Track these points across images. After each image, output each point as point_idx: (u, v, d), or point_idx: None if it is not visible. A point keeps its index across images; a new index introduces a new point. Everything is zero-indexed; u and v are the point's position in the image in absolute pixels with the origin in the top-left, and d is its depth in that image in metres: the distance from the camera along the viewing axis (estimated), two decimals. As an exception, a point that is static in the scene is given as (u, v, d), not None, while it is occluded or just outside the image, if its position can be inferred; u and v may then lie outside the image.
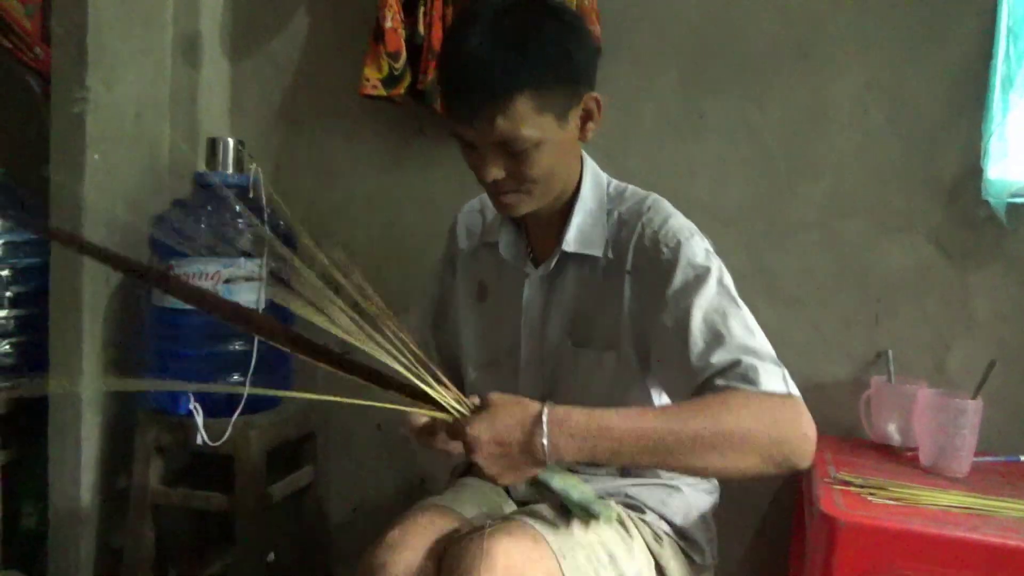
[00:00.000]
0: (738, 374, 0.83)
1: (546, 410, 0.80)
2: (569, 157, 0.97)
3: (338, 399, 0.87)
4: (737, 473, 0.81)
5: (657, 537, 1.00)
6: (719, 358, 0.84)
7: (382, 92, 1.46)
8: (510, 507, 1.07)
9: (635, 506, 1.02)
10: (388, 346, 0.84)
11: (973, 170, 1.31)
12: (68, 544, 1.53)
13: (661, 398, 1.01)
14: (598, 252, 0.99)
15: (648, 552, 0.98)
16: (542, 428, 0.79)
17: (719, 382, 0.84)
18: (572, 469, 1.04)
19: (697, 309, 0.87)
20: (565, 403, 0.88)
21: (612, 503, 0.94)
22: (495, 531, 0.84)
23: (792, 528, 1.39)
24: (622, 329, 0.96)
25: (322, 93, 1.71)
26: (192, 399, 1.38)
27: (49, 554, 1.54)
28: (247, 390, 1.28)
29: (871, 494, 1.02)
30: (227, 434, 1.37)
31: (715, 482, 1.13)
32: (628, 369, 0.98)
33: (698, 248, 0.92)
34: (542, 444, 0.78)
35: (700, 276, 0.90)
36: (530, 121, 0.87)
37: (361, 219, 1.70)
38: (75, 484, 1.51)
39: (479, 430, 0.80)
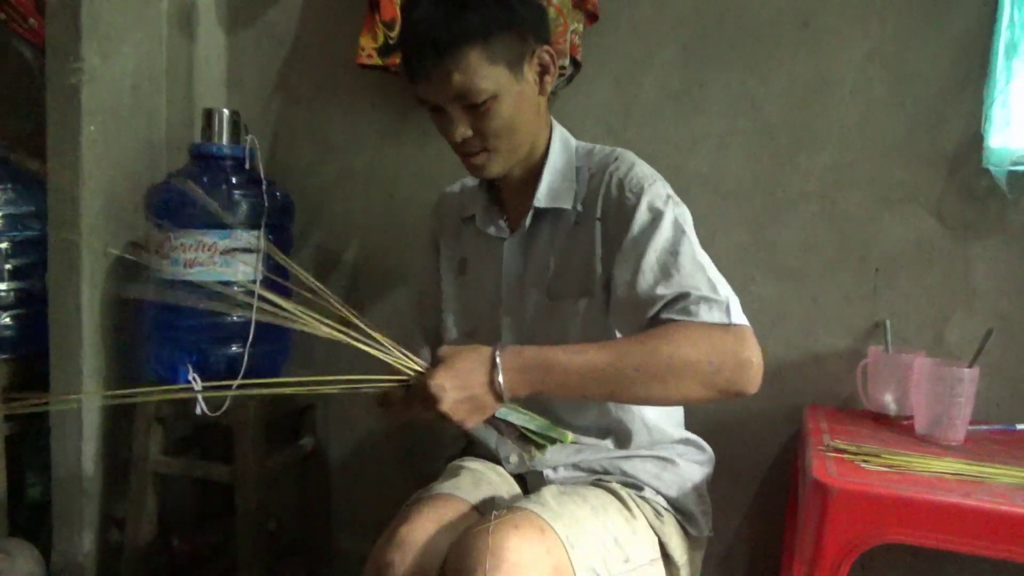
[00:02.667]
0: (681, 307, 0.88)
1: (498, 350, 0.86)
2: (530, 111, 0.99)
3: (299, 380, 0.91)
4: (681, 399, 0.89)
5: (658, 514, 1.01)
6: (664, 291, 0.89)
7: (378, 61, 1.45)
8: (509, 485, 1.07)
9: (633, 484, 1.03)
10: (337, 324, 0.89)
11: (975, 140, 1.29)
12: (71, 514, 1.55)
13: None
14: (568, 204, 1.03)
15: (651, 530, 0.98)
16: (497, 367, 0.85)
17: (663, 315, 0.89)
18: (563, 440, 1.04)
19: (651, 250, 0.92)
20: None
21: (567, 432, 0.96)
22: (500, 524, 0.84)
23: (788, 500, 1.40)
24: (595, 275, 1.00)
25: (319, 65, 1.70)
26: (191, 370, 1.39)
27: (53, 524, 1.57)
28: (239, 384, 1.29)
29: (864, 461, 1.03)
30: (225, 404, 1.38)
31: (708, 452, 1.14)
32: (601, 314, 1.00)
33: (660, 192, 0.97)
34: (499, 381, 0.84)
35: (658, 218, 0.94)
36: (483, 72, 0.92)
37: (359, 191, 1.70)
38: (77, 455, 1.53)
39: (440, 379, 0.84)
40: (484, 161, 0.99)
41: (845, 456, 1.05)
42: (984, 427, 1.23)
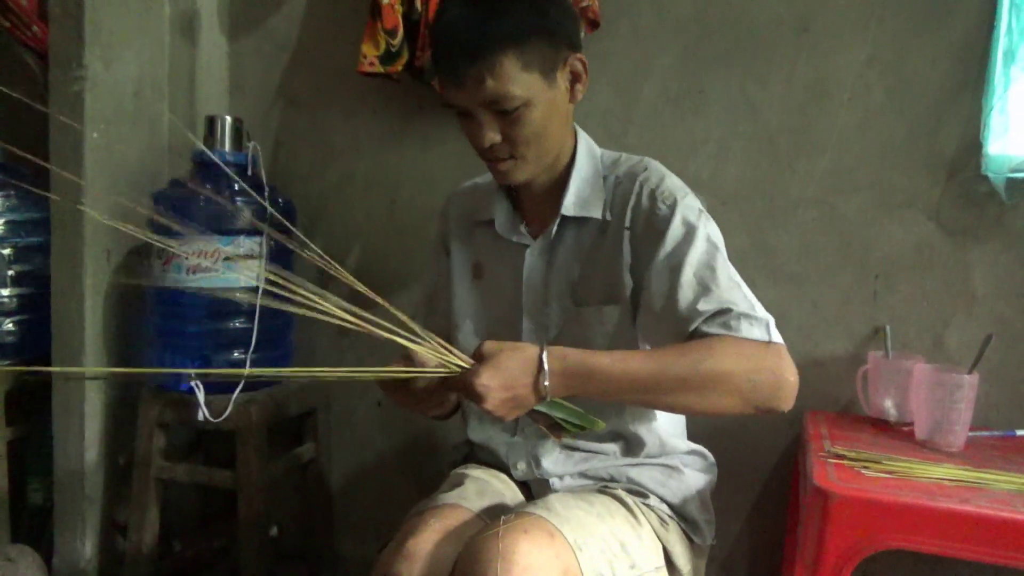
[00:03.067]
0: (723, 322, 0.88)
1: (545, 353, 0.86)
2: (560, 119, 0.99)
3: (340, 371, 0.90)
4: (716, 411, 0.88)
5: (663, 522, 1.01)
6: (705, 307, 0.90)
7: (380, 69, 1.46)
8: (513, 493, 1.07)
9: (639, 491, 1.03)
10: (384, 323, 0.87)
11: (974, 146, 1.30)
12: (73, 519, 1.55)
13: None
14: (597, 214, 1.02)
15: (656, 538, 0.98)
16: (544, 370, 0.85)
17: (704, 329, 0.89)
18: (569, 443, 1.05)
19: (688, 265, 0.92)
20: None
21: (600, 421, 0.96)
22: (510, 529, 0.84)
23: (788, 505, 1.40)
24: (623, 283, 1.00)
25: (321, 71, 1.71)
26: (193, 376, 1.39)
27: (55, 529, 1.57)
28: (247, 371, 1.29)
29: (865, 467, 1.03)
30: (228, 410, 1.39)
31: (711, 459, 1.14)
32: (627, 321, 1.01)
33: (692, 205, 0.97)
34: (544, 385, 0.85)
35: (693, 233, 0.94)
36: (517, 79, 0.90)
37: (360, 196, 1.70)
38: (79, 460, 1.53)
39: (488, 379, 0.83)
40: (511, 167, 0.98)
41: (846, 462, 1.05)
42: (984, 433, 1.24)
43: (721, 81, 1.44)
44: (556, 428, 0.94)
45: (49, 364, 1.54)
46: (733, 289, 0.91)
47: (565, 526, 0.87)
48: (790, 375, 0.87)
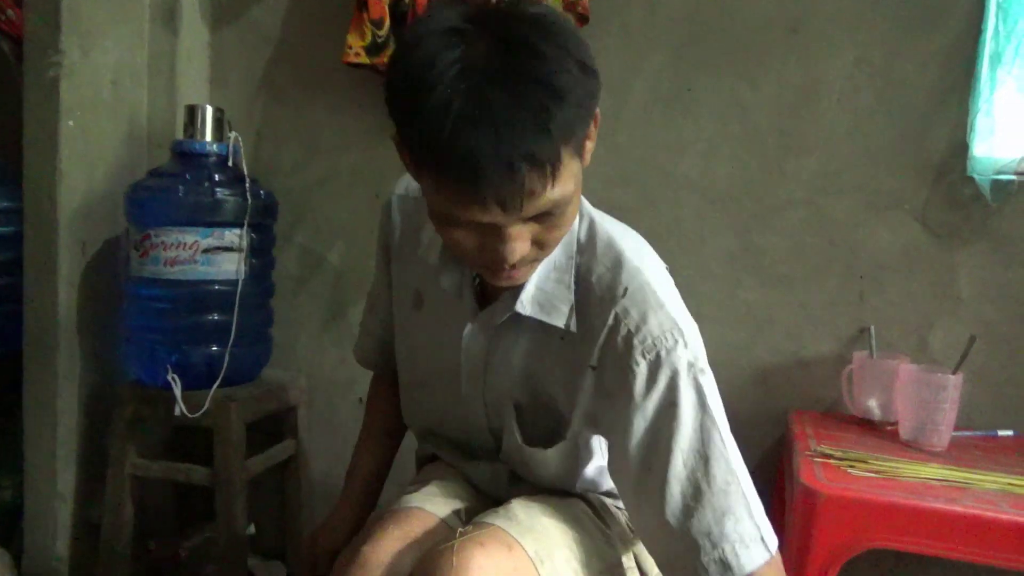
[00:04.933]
0: (718, 560, 0.74)
1: None
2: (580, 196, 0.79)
3: None
4: None
5: None
6: (698, 527, 0.74)
7: (365, 60, 1.43)
8: (480, 501, 1.01)
9: (610, 492, 1.00)
10: None
11: (960, 148, 1.30)
12: (45, 518, 1.51)
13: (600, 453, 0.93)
14: (560, 323, 0.82)
15: (627, 539, 0.96)
16: None
17: (697, 559, 0.74)
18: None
19: (676, 452, 0.75)
20: (513, 462, 0.92)
21: None
22: (465, 542, 0.79)
23: (772, 506, 1.40)
24: (569, 427, 0.86)
25: (306, 63, 1.68)
26: (170, 371, 1.36)
27: (25, 528, 1.53)
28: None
29: (851, 467, 1.03)
30: (205, 406, 1.36)
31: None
32: (582, 449, 0.90)
33: (681, 359, 0.76)
34: None
35: (680, 405, 0.76)
36: (569, 173, 0.68)
37: (344, 191, 1.68)
38: (51, 457, 1.49)
39: None
40: (527, 271, 0.77)
41: (832, 461, 1.05)
42: (967, 433, 1.24)
43: (711, 81, 1.43)
44: None
45: (21, 357, 1.50)
46: (728, 488, 0.75)
47: (526, 537, 0.82)
48: None
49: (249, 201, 1.42)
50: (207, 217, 1.39)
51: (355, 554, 0.86)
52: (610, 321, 0.79)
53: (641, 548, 0.96)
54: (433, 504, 0.94)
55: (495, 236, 0.70)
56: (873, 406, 1.27)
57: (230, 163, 1.46)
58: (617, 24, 1.47)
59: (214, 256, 1.38)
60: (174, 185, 1.39)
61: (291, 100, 1.70)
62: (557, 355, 0.84)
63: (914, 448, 1.15)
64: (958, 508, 0.91)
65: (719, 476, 0.74)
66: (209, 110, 1.46)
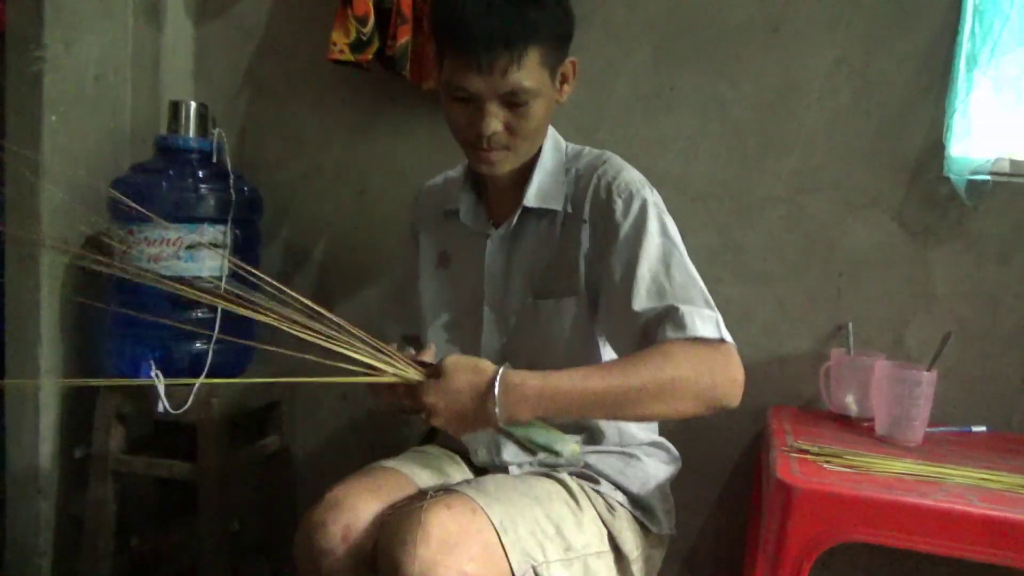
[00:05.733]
0: (675, 322, 0.89)
1: (498, 378, 0.85)
2: (551, 115, 1.02)
3: (299, 380, 0.89)
4: (676, 416, 0.89)
5: (610, 507, 1.02)
6: (657, 304, 0.91)
7: (349, 57, 1.44)
8: (463, 475, 1.08)
9: (589, 477, 1.04)
10: (339, 335, 0.88)
11: (936, 149, 1.32)
12: (27, 513, 1.51)
13: (606, 348, 1.04)
14: (558, 206, 1.04)
15: (600, 523, 0.99)
16: (493, 395, 0.85)
17: (658, 330, 0.90)
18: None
19: (643, 259, 0.94)
20: (525, 353, 0.98)
21: (574, 440, 0.96)
22: (433, 503, 0.85)
23: (751, 498, 1.42)
24: (580, 276, 1.02)
25: (290, 59, 1.68)
26: (153, 367, 1.36)
27: (6, 523, 1.52)
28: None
29: (827, 462, 1.04)
30: (189, 402, 1.36)
31: (674, 453, 1.15)
32: (585, 315, 1.02)
33: (647, 199, 0.98)
34: (494, 411, 0.85)
35: (646, 227, 0.96)
36: (535, 74, 0.93)
37: (328, 187, 1.68)
38: (33, 452, 1.49)
39: (435, 397, 0.86)
40: (502, 158, 0.99)
41: (808, 456, 1.07)
42: (941, 429, 1.26)
43: (692, 79, 1.45)
44: (529, 452, 0.94)
45: (3, 353, 1.49)
46: (687, 284, 0.93)
47: (494, 506, 0.88)
48: (739, 374, 0.90)
49: (233, 197, 1.42)
50: (191, 213, 1.38)
51: (322, 498, 0.92)
52: (594, 181, 1.02)
53: (618, 529, 0.99)
54: (409, 469, 1.02)
55: (478, 112, 0.94)
56: (850, 402, 1.29)
57: (214, 159, 1.46)
58: (599, 21, 1.48)
59: (197, 252, 1.38)
60: (158, 180, 1.38)
61: (275, 96, 1.70)
62: (561, 238, 1.03)
63: (889, 443, 1.17)
64: (930, 502, 0.93)
65: (678, 277, 0.93)
66: (193, 105, 1.46)
